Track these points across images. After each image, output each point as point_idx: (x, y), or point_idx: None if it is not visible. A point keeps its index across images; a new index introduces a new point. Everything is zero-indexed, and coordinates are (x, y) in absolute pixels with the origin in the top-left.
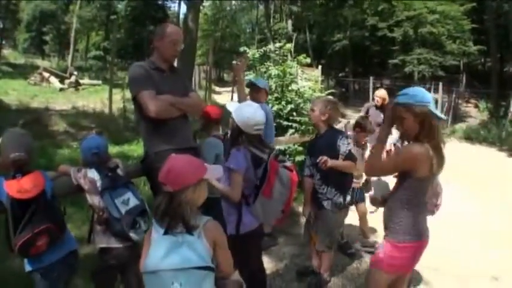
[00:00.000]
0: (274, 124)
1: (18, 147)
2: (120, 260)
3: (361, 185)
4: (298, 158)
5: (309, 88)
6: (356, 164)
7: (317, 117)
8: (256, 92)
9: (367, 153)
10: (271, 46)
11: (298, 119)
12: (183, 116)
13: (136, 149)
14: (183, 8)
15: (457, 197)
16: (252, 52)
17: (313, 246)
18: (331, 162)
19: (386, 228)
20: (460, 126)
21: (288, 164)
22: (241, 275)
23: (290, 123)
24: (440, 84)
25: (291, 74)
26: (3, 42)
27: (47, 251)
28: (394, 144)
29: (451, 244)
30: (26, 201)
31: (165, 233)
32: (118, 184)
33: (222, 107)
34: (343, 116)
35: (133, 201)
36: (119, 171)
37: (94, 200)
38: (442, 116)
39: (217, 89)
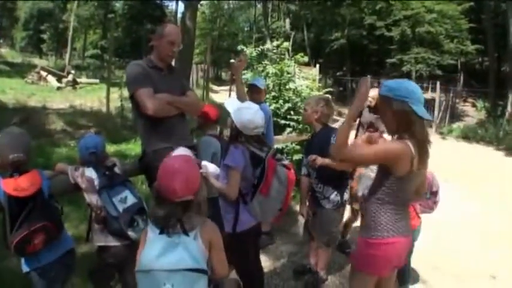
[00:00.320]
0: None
1: (16, 148)
2: (118, 258)
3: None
4: (296, 157)
5: (307, 87)
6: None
7: (310, 116)
8: (256, 93)
9: None
10: (268, 45)
11: (295, 117)
12: (180, 115)
13: (133, 147)
14: (181, 7)
15: (455, 196)
16: (250, 51)
17: (312, 244)
18: (321, 161)
19: (361, 225)
20: (458, 125)
21: (286, 162)
22: (239, 274)
23: (287, 122)
24: (438, 83)
25: (288, 73)
26: (1, 40)
27: (44, 251)
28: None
29: (450, 243)
30: (23, 200)
31: (161, 232)
32: (115, 182)
33: (220, 107)
34: (340, 114)
35: (131, 200)
36: (116, 170)
37: (92, 198)
38: (425, 115)
39: (214, 87)
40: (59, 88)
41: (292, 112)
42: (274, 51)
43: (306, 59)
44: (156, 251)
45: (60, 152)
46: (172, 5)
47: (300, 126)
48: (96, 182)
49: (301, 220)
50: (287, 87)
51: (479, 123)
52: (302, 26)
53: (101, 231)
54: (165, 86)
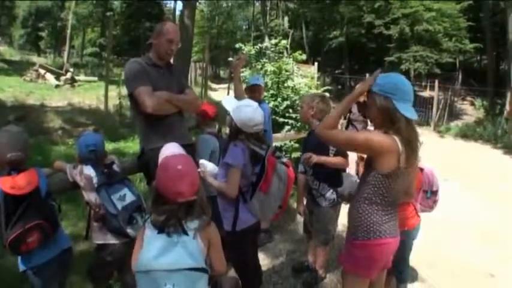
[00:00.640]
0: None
1: (14, 146)
2: (117, 256)
3: None
4: (295, 155)
5: (305, 85)
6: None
7: (306, 113)
8: (255, 91)
9: None
10: (267, 43)
11: (294, 115)
12: (178, 113)
13: (132, 145)
14: (179, 5)
15: (453, 195)
16: (248, 49)
17: (310, 243)
18: (317, 159)
19: (348, 226)
20: (456, 123)
21: (285, 160)
22: (237, 271)
23: (286, 120)
24: (436, 81)
25: (286, 71)
26: None
27: (40, 250)
28: None
29: (448, 241)
30: (20, 198)
31: (160, 232)
32: (114, 180)
33: (218, 104)
34: None
35: (129, 197)
36: (115, 168)
37: (90, 196)
38: (408, 113)
39: (213, 85)
40: (57, 86)
41: (290, 110)
42: (273, 49)
43: (304, 57)
44: (155, 251)
45: (59, 150)
46: (170, 3)
47: (299, 124)
48: (94, 180)
49: (300, 218)
50: (285, 85)
51: (477, 121)
52: (301, 24)
53: (100, 229)
54: (163, 84)
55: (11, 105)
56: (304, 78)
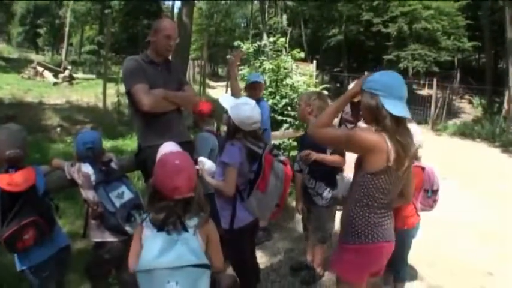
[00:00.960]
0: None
1: (13, 144)
2: (115, 254)
3: None
4: (293, 153)
5: (304, 83)
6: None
7: (303, 111)
8: (256, 89)
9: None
10: (265, 41)
11: (292, 113)
12: (177, 110)
13: (130, 143)
14: (178, 2)
15: (452, 193)
16: (247, 46)
17: (309, 242)
18: (316, 156)
19: (340, 228)
20: (454, 122)
21: (282, 157)
22: (235, 270)
23: (284, 118)
24: (435, 80)
25: (285, 69)
26: None
27: (36, 249)
28: None
29: (447, 240)
30: (16, 195)
31: (159, 230)
32: (112, 178)
33: (216, 102)
34: None
35: (127, 195)
36: (113, 165)
37: (88, 194)
38: (396, 110)
39: (211, 83)
40: (55, 83)
41: (289, 108)
42: (271, 47)
43: (302, 55)
44: (156, 249)
45: (57, 147)
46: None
47: (297, 122)
48: (92, 178)
49: (298, 216)
50: (284, 83)
51: (475, 120)
52: (299, 22)
53: (98, 227)
54: (161, 81)
55: (9, 103)
56: (303, 76)
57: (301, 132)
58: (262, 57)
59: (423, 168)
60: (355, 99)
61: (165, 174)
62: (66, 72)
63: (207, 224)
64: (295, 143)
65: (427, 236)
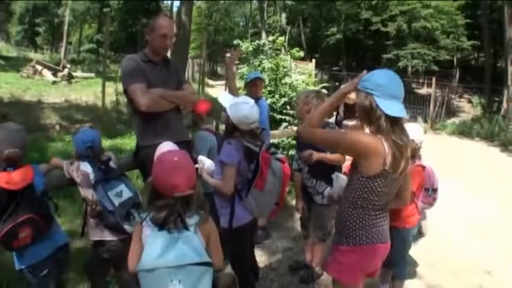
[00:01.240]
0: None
1: (12, 143)
2: (114, 253)
3: None
4: (292, 152)
5: (303, 82)
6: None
7: (301, 109)
8: (257, 86)
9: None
10: (264, 40)
11: (291, 112)
12: (175, 109)
13: (129, 142)
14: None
15: (451, 192)
16: (246, 45)
17: (307, 241)
18: (317, 155)
19: (334, 229)
20: (453, 121)
21: (280, 155)
22: (234, 268)
23: (283, 117)
24: (434, 79)
25: (284, 68)
26: None
27: (34, 248)
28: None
29: (446, 239)
30: (14, 193)
31: (160, 229)
32: (111, 177)
33: (215, 101)
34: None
35: (126, 194)
36: (112, 164)
37: (87, 193)
38: (390, 110)
39: (210, 82)
40: (54, 82)
41: (288, 107)
42: (270, 46)
43: (302, 53)
44: (158, 248)
45: (55, 146)
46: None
47: (296, 121)
48: (91, 176)
49: (297, 215)
50: (283, 81)
51: (474, 119)
52: (298, 20)
53: (97, 225)
54: (159, 80)
55: (8, 102)
56: (302, 75)
57: None
58: (262, 56)
59: (424, 167)
60: (350, 101)
61: (164, 172)
62: (65, 71)
63: (207, 222)
64: (294, 142)
65: (426, 235)
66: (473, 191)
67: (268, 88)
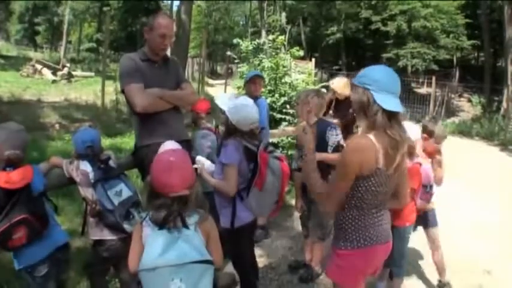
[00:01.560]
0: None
1: (13, 144)
2: (114, 252)
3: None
4: (292, 151)
5: (302, 81)
6: None
7: (301, 109)
8: (256, 83)
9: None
10: (264, 39)
11: (291, 111)
12: (174, 109)
13: (128, 141)
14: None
15: (450, 192)
16: (246, 44)
17: (307, 240)
18: (318, 156)
19: (334, 232)
20: (453, 120)
21: (278, 154)
22: (234, 268)
23: (283, 116)
24: (434, 78)
25: (284, 67)
26: None
27: (32, 248)
28: None
29: (445, 239)
30: (11, 193)
31: (160, 228)
32: (110, 176)
33: (213, 99)
34: None
35: (126, 193)
36: (111, 163)
37: (86, 192)
38: (387, 104)
39: (210, 81)
40: (54, 81)
41: (287, 106)
42: (270, 45)
43: (301, 53)
44: (159, 248)
45: (55, 145)
46: None
47: (296, 120)
48: (91, 176)
49: (297, 214)
50: (283, 81)
51: (474, 118)
52: (298, 20)
53: (96, 224)
54: (158, 80)
55: (7, 101)
56: (302, 74)
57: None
58: (261, 55)
59: (420, 164)
60: (341, 97)
61: (158, 172)
62: (65, 70)
63: (207, 221)
64: (294, 141)
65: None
66: (472, 190)
67: (268, 87)
